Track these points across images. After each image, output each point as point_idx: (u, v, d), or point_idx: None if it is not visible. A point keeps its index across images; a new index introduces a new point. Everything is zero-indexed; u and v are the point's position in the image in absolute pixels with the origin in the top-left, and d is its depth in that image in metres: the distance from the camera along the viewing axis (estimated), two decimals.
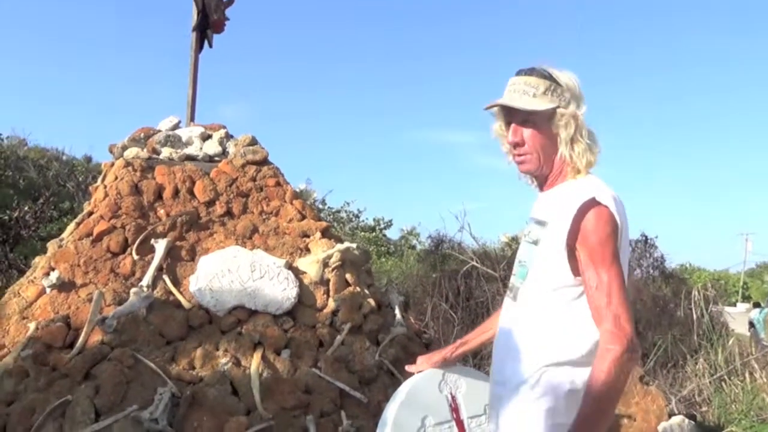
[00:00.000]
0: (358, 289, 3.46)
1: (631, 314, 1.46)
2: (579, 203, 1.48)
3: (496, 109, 1.69)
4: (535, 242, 1.60)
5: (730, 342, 6.52)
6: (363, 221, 14.59)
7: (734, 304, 20.77)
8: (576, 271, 1.50)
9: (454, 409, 2.12)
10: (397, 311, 3.61)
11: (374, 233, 14.12)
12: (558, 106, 1.56)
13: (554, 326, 1.53)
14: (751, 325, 11.31)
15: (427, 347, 3.60)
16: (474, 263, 7.41)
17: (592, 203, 1.48)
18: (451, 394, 2.12)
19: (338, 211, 13.84)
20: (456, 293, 7.46)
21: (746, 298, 24.22)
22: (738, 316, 9.70)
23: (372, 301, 3.47)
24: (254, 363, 2.93)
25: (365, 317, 3.39)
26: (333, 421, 2.88)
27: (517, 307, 1.63)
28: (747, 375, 5.55)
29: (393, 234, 15.62)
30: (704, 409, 5.30)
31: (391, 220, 15.21)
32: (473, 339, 2.03)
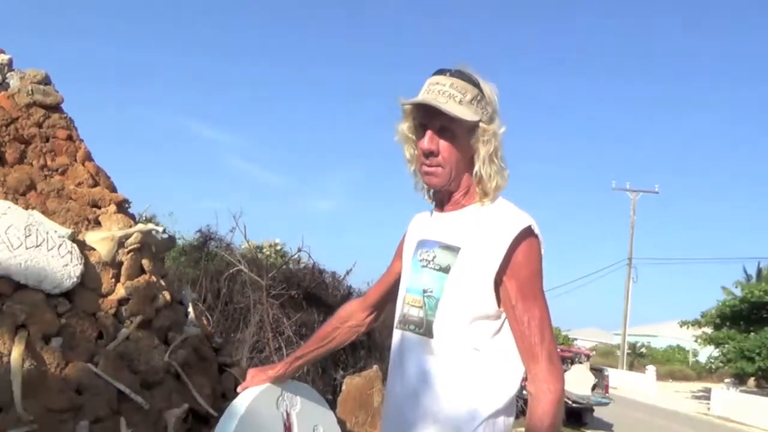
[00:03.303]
0: (153, 278, 3.03)
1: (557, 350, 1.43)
2: (512, 233, 1.38)
3: (406, 107, 1.50)
4: (444, 269, 1.45)
5: None
6: None
7: None
8: (499, 302, 1.41)
9: (288, 427, 1.97)
10: (190, 309, 3.25)
11: None
12: (481, 120, 1.43)
13: (485, 368, 1.41)
14: None
15: (216, 352, 3.29)
16: (241, 267, 7.13)
17: (527, 234, 1.40)
18: (286, 411, 1.97)
19: None
20: (216, 295, 7.10)
21: None
22: None
23: (167, 295, 3.06)
24: (16, 350, 2.34)
25: (157, 312, 2.97)
26: (109, 429, 2.44)
27: (436, 344, 1.44)
28: None
29: None
30: None
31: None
32: (309, 353, 1.89)
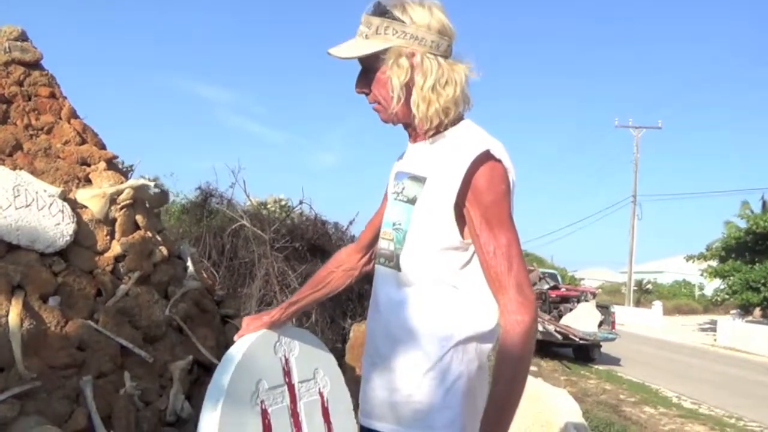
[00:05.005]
0: (149, 234, 3.01)
1: (529, 279, 1.35)
2: (470, 157, 1.29)
3: None
4: (411, 201, 1.40)
5: None
6: None
7: None
8: (463, 233, 1.34)
9: (287, 372, 1.96)
10: (189, 263, 3.24)
11: None
12: (391, 47, 1.35)
13: (454, 300, 1.37)
14: None
15: (218, 305, 3.30)
16: (243, 222, 7.09)
17: (486, 157, 1.30)
18: (284, 356, 1.95)
19: None
20: (220, 251, 7.10)
21: None
22: None
23: (164, 250, 3.04)
24: (14, 310, 2.33)
25: (155, 267, 2.96)
26: (113, 383, 2.46)
27: (404, 277, 1.41)
28: None
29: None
30: None
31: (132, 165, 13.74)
32: (303, 298, 1.84)
